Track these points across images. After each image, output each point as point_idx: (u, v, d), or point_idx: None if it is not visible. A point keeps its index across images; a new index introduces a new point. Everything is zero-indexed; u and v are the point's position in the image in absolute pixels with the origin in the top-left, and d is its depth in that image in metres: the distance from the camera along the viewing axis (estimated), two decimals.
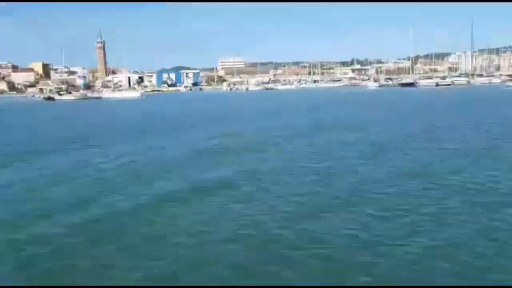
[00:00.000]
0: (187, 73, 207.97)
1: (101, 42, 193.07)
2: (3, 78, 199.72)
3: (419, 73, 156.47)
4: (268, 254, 8.96)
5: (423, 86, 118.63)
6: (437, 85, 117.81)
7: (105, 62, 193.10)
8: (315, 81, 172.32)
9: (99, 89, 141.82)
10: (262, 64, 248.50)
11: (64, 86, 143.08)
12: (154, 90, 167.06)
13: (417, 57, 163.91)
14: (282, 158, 19.34)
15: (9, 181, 16.36)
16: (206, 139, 26.48)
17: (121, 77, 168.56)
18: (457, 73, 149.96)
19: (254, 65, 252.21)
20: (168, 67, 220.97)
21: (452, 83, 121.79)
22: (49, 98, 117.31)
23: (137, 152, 22.23)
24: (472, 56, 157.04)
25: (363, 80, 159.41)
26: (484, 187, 13.27)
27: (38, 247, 9.60)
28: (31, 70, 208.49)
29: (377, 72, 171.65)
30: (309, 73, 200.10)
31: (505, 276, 7.64)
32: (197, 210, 11.99)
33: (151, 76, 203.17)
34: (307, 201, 12.52)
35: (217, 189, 14.14)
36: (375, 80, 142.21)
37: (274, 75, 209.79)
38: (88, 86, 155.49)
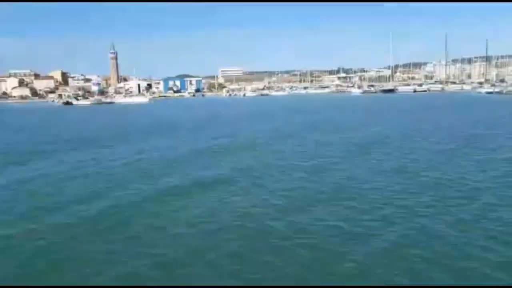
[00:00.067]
0: (190, 81, 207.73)
1: (114, 53, 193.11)
2: (26, 85, 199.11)
3: (399, 81, 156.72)
4: (261, 243, 8.94)
5: (402, 92, 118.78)
6: (415, 91, 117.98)
7: (117, 71, 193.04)
8: (305, 88, 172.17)
9: (112, 95, 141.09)
10: (258, 72, 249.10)
11: (80, 92, 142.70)
12: (161, 96, 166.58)
13: (396, 66, 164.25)
14: (273, 157, 19.32)
15: (29, 176, 16.35)
16: (207, 139, 26.42)
17: (131, 84, 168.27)
18: (433, 81, 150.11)
19: (251, 73, 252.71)
20: (173, 75, 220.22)
21: (428, 89, 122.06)
22: (67, 103, 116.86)
23: (151, 150, 22.30)
24: (446, 65, 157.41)
25: (348, 87, 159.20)
26: (454, 183, 13.29)
27: (52, 236, 9.59)
28: (51, 77, 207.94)
29: (360, 80, 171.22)
30: (300, 81, 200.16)
31: (471, 263, 7.64)
32: (196, 203, 11.95)
33: (158, 83, 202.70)
34: (296, 195, 12.52)
35: (215, 184, 14.13)
36: (359, 87, 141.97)
37: (269, 82, 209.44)
38: (102, 92, 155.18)
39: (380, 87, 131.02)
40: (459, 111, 45.22)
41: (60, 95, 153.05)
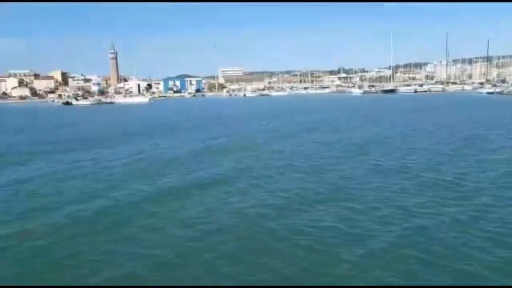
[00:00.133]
0: (190, 81, 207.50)
1: (114, 53, 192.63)
2: (26, 85, 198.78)
3: (399, 81, 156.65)
4: (259, 244, 8.97)
5: (402, 92, 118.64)
6: (415, 91, 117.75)
7: (117, 71, 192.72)
8: (305, 88, 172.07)
9: (112, 95, 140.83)
10: (259, 73, 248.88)
11: (80, 92, 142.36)
12: (161, 96, 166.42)
13: (397, 66, 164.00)
14: (272, 157, 19.34)
15: (28, 176, 16.39)
16: (207, 139, 26.42)
17: (131, 84, 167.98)
18: (434, 81, 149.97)
19: (251, 73, 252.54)
20: (173, 75, 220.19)
21: (429, 90, 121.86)
22: (67, 103, 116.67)
23: (151, 150, 22.36)
24: (447, 65, 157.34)
25: (348, 87, 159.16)
26: (453, 183, 13.31)
27: (50, 236, 9.62)
28: (51, 77, 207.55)
29: (361, 80, 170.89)
30: (300, 81, 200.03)
31: (469, 264, 7.66)
32: (195, 204, 11.98)
33: (158, 83, 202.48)
34: (294, 196, 12.53)
35: (213, 185, 14.15)
36: (359, 87, 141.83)
37: (269, 82, 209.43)
38: (102, 92, 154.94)
39: (381, 88, 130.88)
40: (460, 111, 45.21)
41: (60, 95, 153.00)
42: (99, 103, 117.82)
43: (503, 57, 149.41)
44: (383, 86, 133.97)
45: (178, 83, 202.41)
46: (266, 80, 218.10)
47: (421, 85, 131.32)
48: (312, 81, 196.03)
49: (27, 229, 10.22)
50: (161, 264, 8.10)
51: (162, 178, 15.45)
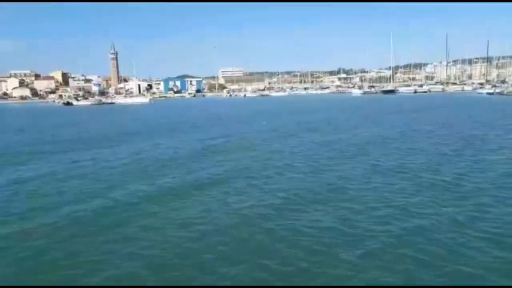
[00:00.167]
0: (191, 81, 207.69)
1: (114, 54, 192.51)
2: (27, 85, 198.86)
3: (399, 81, 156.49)
4: (256, 244, 8.96)
5: (402, 93, 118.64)
6: (415, 92, 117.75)
7: (118, 71, 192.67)
8: (305, 89, 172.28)
9: (112, 95, 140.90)
10: (258, 73, 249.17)
11: (81, 93, 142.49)
12: (162, 96, 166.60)
13: (397, 67, 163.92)
14: (271, 157, 19.35)
15: (26, 176, 16.41)
16: (206, 139, 26.41)
17: (132, 85, 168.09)
18: (433, 82, 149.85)
19: (251, 74, 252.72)
20: (173, 75, 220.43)
21: (429, 90, 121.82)
22: (68, 103, 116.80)
23: (150, 150, 22.36)
24: (447, 66, 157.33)
25: (348, 87, 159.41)
26: (452, 184, 13.31)
27: (48, 236, 9.63)
28: (52, 78, 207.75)
29: (361, 80, 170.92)
30: (300, 81, 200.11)
31: (467, 264, 7.67)
32: (193, 204, 11.97)
33: (159, 83, 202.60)
34: (293, 196, 12.53)
35: (212, 185, 14.15)
36: (359, 88, 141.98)
37: (269, 83, 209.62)
38: (102, 93, 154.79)
39: (381, 88, 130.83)
40: (459, 111, 45.17)
41: (60, 96, 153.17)
42: (100, 103, 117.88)
43: (503, 57, 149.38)
44: (383, 87, 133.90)
45: (178, 83, 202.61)
46: (266, 81, 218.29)
47: (421, 86, 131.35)
48: (312, 82, 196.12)
49: (26, 229, 10.23)
50: (160, 264, 8.10)
51: (162, 178, 15.46)
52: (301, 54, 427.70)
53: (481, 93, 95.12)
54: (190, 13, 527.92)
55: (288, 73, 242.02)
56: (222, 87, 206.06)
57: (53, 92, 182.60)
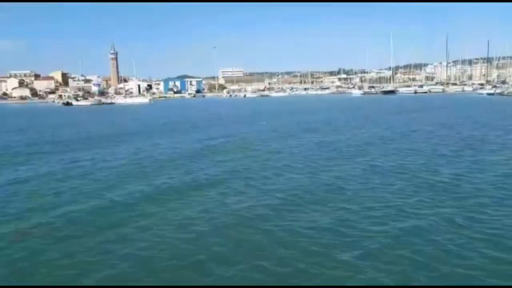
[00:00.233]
0: (191, 81, 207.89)
1: (114, 54, 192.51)
2: (26, 85, 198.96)
3: (399, 82, 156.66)
4: (253, 245, 8.92)
5: (402, 93, 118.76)
6: (415, 92, 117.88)
7: (118, 71, 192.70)
8: (305, 89, 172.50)
9: (112, 95, 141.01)
10: (259, 73, 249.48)
11: (80, 93, 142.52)
12: (161, 97, 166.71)
13: (397, 67, 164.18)
14: (270, 158, 19.33)
15: (25, 176, 16.38)
16: (206, 139, 26.39)
17: (131, 85, 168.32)
18: (434, 82, 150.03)
19: (251, 74, 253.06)
20: (173, 75, 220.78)
21: (429, 91, 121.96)
22: (67, 104, 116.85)
23: (150, 150, 22.36)
24: (447, 66, 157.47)
25: (348, 88, 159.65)
26: (451, 184, 13.29)
27: (43, 236, 9.62)
28: (52, 78, 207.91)
29: (361, 81, 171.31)
30: (300, 82, 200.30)
31: (464, 265, 7.65)
32: (190, 204, 11.93)
33: (159, 84, 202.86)
34: (291, 196, 12.51)
35: (210, 185, 14.12)
36: (359, 88, 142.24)
37: (269, 83, 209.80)
38: (102, 93, 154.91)
39: (381, 88, 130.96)
40: (459, 112, 45.19)
41: (60, 96, 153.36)
42: (99, 103, 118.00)
43: (504, 58, 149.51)
44: (383, 87, 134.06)
45: (178, 83, 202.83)
46: (266, 81, 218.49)
47: (421, 86, 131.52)
48: (312, 82, 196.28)
49: (23, 229, 10.20)
50: (157, 265, 8.06)
51: (160, 178, 15.43)
52: (301, 54, 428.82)
53: (482, 94, 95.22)
54: (190, 13, 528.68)
55: (288, 73, 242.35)
56: (222, 87, 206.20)
57: (52, 92, 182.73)
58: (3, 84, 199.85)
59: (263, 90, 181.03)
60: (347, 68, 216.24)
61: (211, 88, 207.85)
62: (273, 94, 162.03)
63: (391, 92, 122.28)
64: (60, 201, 12.60)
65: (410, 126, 31.48)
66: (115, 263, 8.18)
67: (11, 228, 10.31)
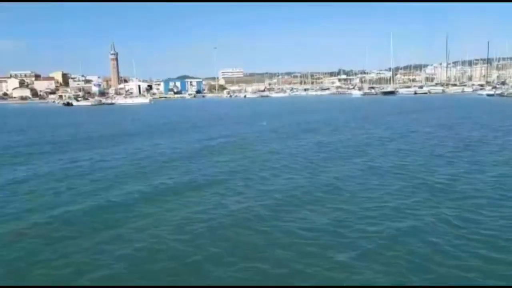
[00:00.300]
0: (191, 82, 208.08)
1: (114, 54, 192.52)
2: (27, 85, 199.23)
3: (399, 83, 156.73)
4: (251, 245, 8.91)
5: (402, 94, 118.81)
6: (415, 93, 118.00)
7: (118, 72, 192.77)
8: (305, 90, 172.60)
9: (112, 96, 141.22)
10: (259, 74, 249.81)
11: (81, 93, 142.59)
12: (162, 97, 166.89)
13: (397, 68, 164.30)
14: (269, 158, 19.33)
15: (24, 176, 16.38)
16: (205, 139, 26.39)
17: (132, 85, 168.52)
18: (434, 83, 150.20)
19: (251, 75, 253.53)
20: (174, 76, 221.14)
21: (429, 91, 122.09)
22: (68, 104, 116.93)
23: (149, 150, 22.34)
24: (447, 67, 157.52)
25: (348, 89, 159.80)
26: (450, 185, 13.29)
27: (39, 236, 9.63)
28: (52, 78, 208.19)
29: (361, 82, 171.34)
30: (301, 82, 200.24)
31: (462, 265, 7.66)
32: (187, 204, 11.92)
33: (159, 84, 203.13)
34: (289, 197, 12.51)
35: (208, 185, 14.11)
36: (359, 89, 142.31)
37: (269, 84, 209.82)
38: (102, 93, 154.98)
39: (381, 89, 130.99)
40: (459, 113, 45.19)
41: (60, 96, 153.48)
42: (100, 104, 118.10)
43: (504, 59, 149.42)
44: (383, 88, 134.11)
45: (178, 84, 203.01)
46: (267, 82, 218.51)
47: (421, 87, 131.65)
48: (312, 83, 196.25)
49: (20, 229, 10.20)
50: (154, 265, 8.05)
51: (159, 178, 15.42)
52: (301, 55, 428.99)
53: (481, 95, 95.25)
54: (190, 13, 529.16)
55: (288, 74, 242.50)
56: (222, 88, 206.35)
57: (53, 92, 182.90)
58: (3, 84, 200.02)
59: (263, 90, 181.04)
60: (347, 68, 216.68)
61: (211, 89, 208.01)
62: (273, 94, 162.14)
63: (391, 93, 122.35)
64: (58, 201, 12.60)
65: (410, 127, 31.49)
66: (111, 264, 8.18)
67: (8, 228, 10.30)
